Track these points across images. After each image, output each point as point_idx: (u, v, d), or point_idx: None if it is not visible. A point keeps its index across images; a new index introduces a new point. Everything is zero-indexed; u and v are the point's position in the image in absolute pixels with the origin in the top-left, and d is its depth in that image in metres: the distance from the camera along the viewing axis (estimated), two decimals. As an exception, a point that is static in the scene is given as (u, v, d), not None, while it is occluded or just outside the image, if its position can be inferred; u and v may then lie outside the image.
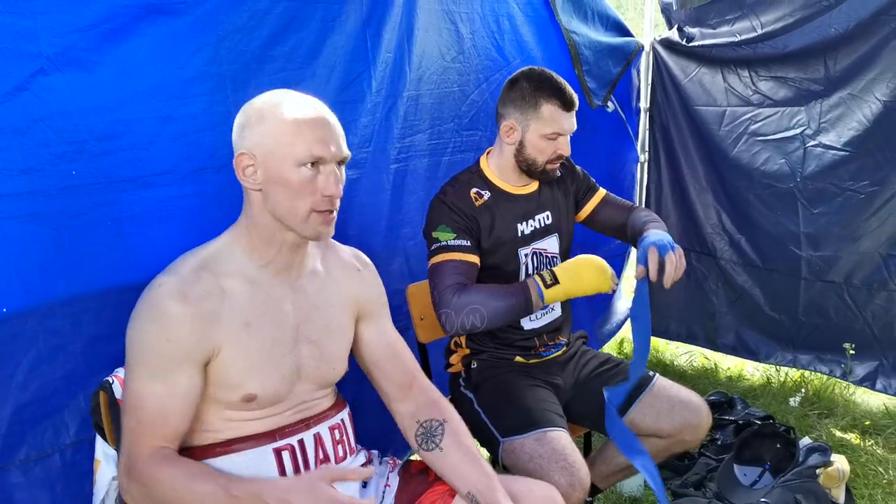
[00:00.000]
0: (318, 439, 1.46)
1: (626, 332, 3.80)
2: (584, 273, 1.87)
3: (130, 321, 1.31)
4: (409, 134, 2.26)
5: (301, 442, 1.43)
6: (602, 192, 2.27)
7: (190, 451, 1.36)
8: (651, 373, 2.15)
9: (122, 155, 1.61)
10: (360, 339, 1.59)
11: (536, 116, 1.94)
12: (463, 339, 2.11)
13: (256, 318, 1.37)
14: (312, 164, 1.32)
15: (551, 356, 2.13)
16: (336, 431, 1.51)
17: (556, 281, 1.87)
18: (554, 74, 1.99)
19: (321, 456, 1.46)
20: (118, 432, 1.41)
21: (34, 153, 1.48)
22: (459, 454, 1.49)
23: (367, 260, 1.63)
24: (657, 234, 1.99)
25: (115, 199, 1.61)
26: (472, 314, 1.86)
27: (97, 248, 1.59)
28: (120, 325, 1.58)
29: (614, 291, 1.93)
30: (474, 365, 2.08)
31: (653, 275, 1.88)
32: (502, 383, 2.03)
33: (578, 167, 2.27)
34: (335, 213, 1.38)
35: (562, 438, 1.86)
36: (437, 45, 2.32)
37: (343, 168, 1.39)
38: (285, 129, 1.32)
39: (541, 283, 1.87)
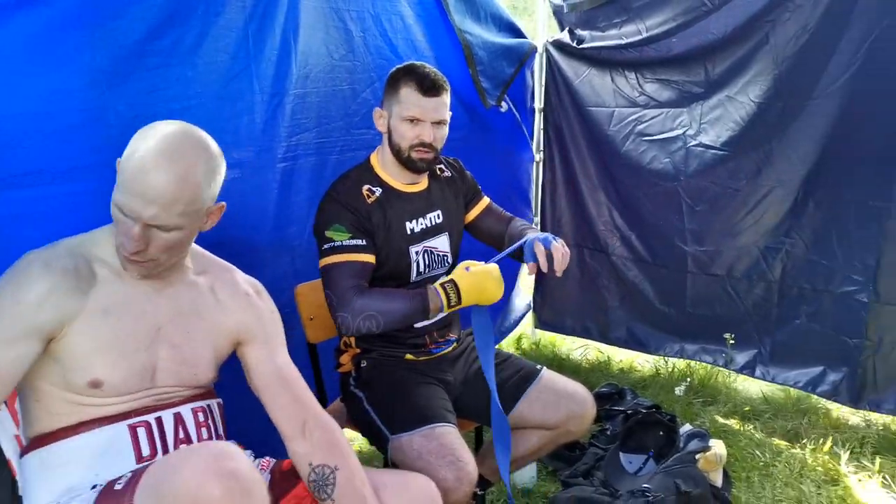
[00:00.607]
0: (178, 418, 1.45)
1: (524, 327, 3.88)
2: (486, 286, 1.90)
3: None
4: (297, 132, 2.24)
5: (159, 419, 1.43)
6: (486, 200, 2.32)
7: (40, 438, 1.35)
8: (539, 366, 2.20)
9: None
10: (246, 364, 1.57)
11: (397, 100, 1.97)
12: (353, 339, 2.11)
13: (116, 307, 1.38)
14: (123, 211, 1.34)
15: (441, 353, 2.14)
16: (200, 414, 1.50)
17: (459, 300, 1.89)
18: (425, 65, 2.01)
19: (181, 435, 1.45)
20: None
21: None
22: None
23: (263, 290, 1.63)
24: (538, 233, 2.05)
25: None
26: (368, 319, 1.87)
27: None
28: None
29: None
30: (364, 364, 2.08)
31: (543, 266, 1.93)
32: (392, 381, 2.04)
33: (468, 172, 2.30)
34: (151, 262, 1.38)
35: (450, 434, 1.88)
36: (325, 43, 2.30)
37: (163, 230, 1.37)
38: (125, 175, 1.33)
39: (444, 299, 1.88)
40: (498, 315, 3.56)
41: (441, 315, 1.98)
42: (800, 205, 2.96)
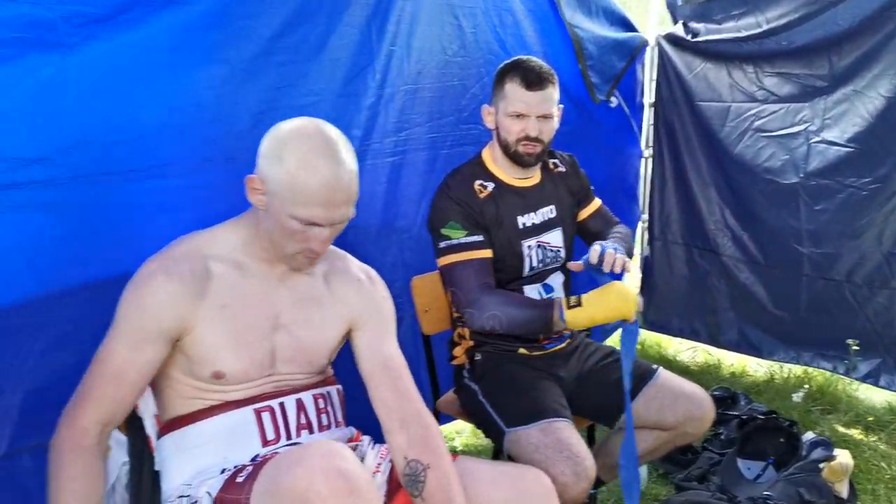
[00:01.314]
0: (299, 404, 1.49)
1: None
2: (610, 299, 1.83)
3: (124, 290, 1.38)
4: (407, 127, 2.27)
5: (282, 405, 1.47)
6: (598, 202, 2.30)
7: (174, 421, 1.43)
8: (654, 366, 2.16)
9: (131, 146, 1.63)
10: (355, 349, 1.59)
11: (502, 96, 1.98)
12: (466, 332, 2.12)
13: (235, 301, 1.41)
14: (304, 223, 1.36)
15: (554, 348, 2.13)
16: (320, 400, 1.53)
17: (579, 304, 1.84)
18: (532, 59, 2.01)
19: (303, 421, 1.49)
20: (128, 419, 1.44)
21: (46, 144, 1.50)
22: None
23: (376, 277, 1.63)
24: (607, 242, 1.99)
25: (124, 190, 1.63)
26: (492, 319, 1.90)
27: (106, 237, 1.61)
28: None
29: (636, 321, 1.89)
30: (478, 357, 2.09)
31: (593, 259, 1.85)
32: (506, 374, 2.04)
33: (582, 170, 2.29)
34: (318, 257, 1.44)
35: (567, 429, 1.87)
36: (439, 39, 2.33)
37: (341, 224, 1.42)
38: (293, 187, 1.33)
39: (564, 304, 1.85)
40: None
41: (564, 330, 1.97)
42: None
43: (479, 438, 2.77)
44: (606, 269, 1.83)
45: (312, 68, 1.95)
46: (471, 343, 2.12)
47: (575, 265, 1.93)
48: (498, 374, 2.05)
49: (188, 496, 1.38)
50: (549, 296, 2.11)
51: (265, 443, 1.45)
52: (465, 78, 2.47)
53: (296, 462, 1.21)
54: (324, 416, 1.53)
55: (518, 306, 1.92)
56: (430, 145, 2.38)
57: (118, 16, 1.55)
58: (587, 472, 1.78)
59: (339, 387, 1.63)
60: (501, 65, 2.03)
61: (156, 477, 1.48)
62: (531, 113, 1.96)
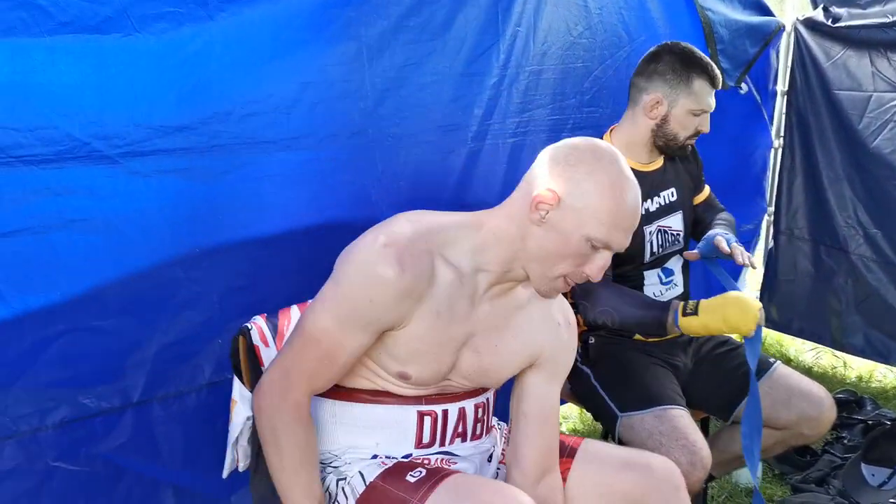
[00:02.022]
0: (461, 413, 1.47)
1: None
2: (728, 311, 1.78)
3: (346, 260, 1.32)
4: (529, 109, 2.26)
5: (445, 412, 1.45)
6: (708, 189, 2.28)
7: (343, 390, 1.42)
8: (772, 359, 2.09)
9: (265, 118, 1.70)
10: (522, 386, 1.52)
11: (687, 92, 1.96)
12: (579, 316, 2.11)
13: (446, 311, 1.34)
14: (596, 245, 1.30)
15: (671, 335, 2.09)
16: (479, 410, 1.51)
17: (695, 312, 1.81)
18: (698, 50, 2.00)
19: (460, 430, 1.47)
20: (254, 375, 1.51)
21: (188, 113, 1.58)
22: None
23: (573, 322, 1.56)
24: (722, 230, 2.02)
25: (257, 160, 1.70)
26: (604, 315, 1.90)
27: (238, 204, 1.69)
28: (253, 278, 1.73)
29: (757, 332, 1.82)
30: (591, 340, 2.08)
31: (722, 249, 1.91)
32: (621, 359, 2.03)
33: (699, 157, 2.26)
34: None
35: (683, 417, 1.85)
36: (565, 20, 2.29)
37: None
38: (605, 206, 1.27)
39: (680, 310, 1.83)
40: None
41: (678, 335, 1.96)
42: None
43: (585, 424, 2.76)
44: (739, 261, 1.84)
45: (437, 47, 1.97)
46: (584, 327, 2.11)
47: (691, 255, 1.90)
48: (612, 359, 2.04)
49: (336, 468, 1.42)
50: (668, 279, 2.10)
51: (419, 444, 1.45)
52: (589, 60, 2.43)
53: (490, 497, 1.27)
54: (479, 426, 1.52)
55: (633, 305, 1.90)
56: (552, 127, 2.36)
57: None
58: (703, 461, 1.76)
59: (491, 392, 1.60)
60: (670, 55, 1.99)
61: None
62: (710, 110, 2.01)
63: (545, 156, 1.34)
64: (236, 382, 1.53)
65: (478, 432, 1.51)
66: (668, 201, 2.09)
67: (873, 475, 2.32)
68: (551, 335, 1.49)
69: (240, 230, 1.70)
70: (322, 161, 1.82)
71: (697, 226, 2.23)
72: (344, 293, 1.30)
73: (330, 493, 1.41)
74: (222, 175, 1.65)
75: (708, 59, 1.99)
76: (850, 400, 2.81)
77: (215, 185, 1.64)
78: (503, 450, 1.61)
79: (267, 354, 1.52)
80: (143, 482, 1.68)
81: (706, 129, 2.01)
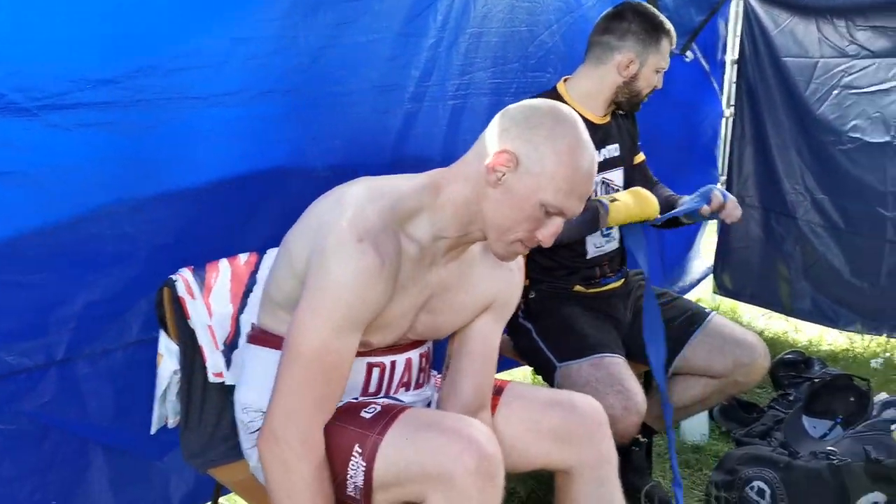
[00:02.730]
0: (408, 363, 1.48)
1: (703, 293, 3.73)
2: (640, 196, 1.98)
3: (324, 267, 1.24)
4: (469, 71, 2.25)
5: (393, 363, 1.45)
6: (642, 155, 2.30)
7: (275, 338, 1.38)
8: (708, 310, 2.14)
9: (194, 73, 1.67)
10: (470, 326, 1.51)
11: (656, 50, 2.05)
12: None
13: (410, 282, 1.33)
14: (549, 210, 1.29)
15: (610, 285, 2.14)
16: (423, 359, 1.52)
17: (616, 198, 1.97)
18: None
19: (405, 379, 1.48)
20: (179, 327, 1.51)
21: (112, 66, 1.55)
22: None
23: (522, 263, 1.55)
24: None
25: (185, 116, 1.68)
26: None
27: (166, 159, 1.66)
28: (181, 235, 1.71)
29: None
30: (532, 295, 2.11)
31: (716, 205, 1.99)
32: (561, 312, 2.07)
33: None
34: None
35: (618, 364, 1.89)
36: (509, -18, 2.30)
37: None
38: (562, 172, 1.25)
39: (607, 199, 1.95)
40: (674, 274, 3.46)
41: (603, 248, 2.08)
42: None
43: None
44: (730, 219, 2.03)
45: (374, 6, 1.95)
46: (526, 282, 2.11)
47: (705, 210, 2.01)
48: (553, 313, 2.07)
49: None
50: (608, 231, 2.13)
51: (364, 393, 1.44)
52: (534, 24, 2.43)
53: (444, 433, 1.26)
54: (422, 375, 1.54)
55: None
56: (494, 91, 2.36)
57: None
58: (637, 406, 1.80)
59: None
60: (649, 18, 2.06)
61: (207, 385, 1.55)
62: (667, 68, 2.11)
63: (503, 115, 1.31)
64: (162, 336, 1.53)
65: (420, 381, 1.53)
66: (612, 155, 2.13)
67: (815, 427, 2.37)
68: (504, 281, 1.50)
69: (168, 186, 1.68)
70: (254, 118, 1.80)
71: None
72: (334, 299, 1.24)
73: None
74: (148, 130, 1.62)
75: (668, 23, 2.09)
76: (799, 360, 2.86)
77: (141, 141, 1.62)
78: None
79: (193, 306, 1.52)
80: (72, 441, 1.67)
81: (661, 85, 2.11)
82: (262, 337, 1.44)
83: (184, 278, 1.52)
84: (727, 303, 3.68)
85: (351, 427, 1.32)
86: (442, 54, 2.17)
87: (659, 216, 2.02)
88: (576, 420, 1.51)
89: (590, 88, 2.09)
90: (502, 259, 1.38)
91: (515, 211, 1.28)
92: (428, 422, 1.32)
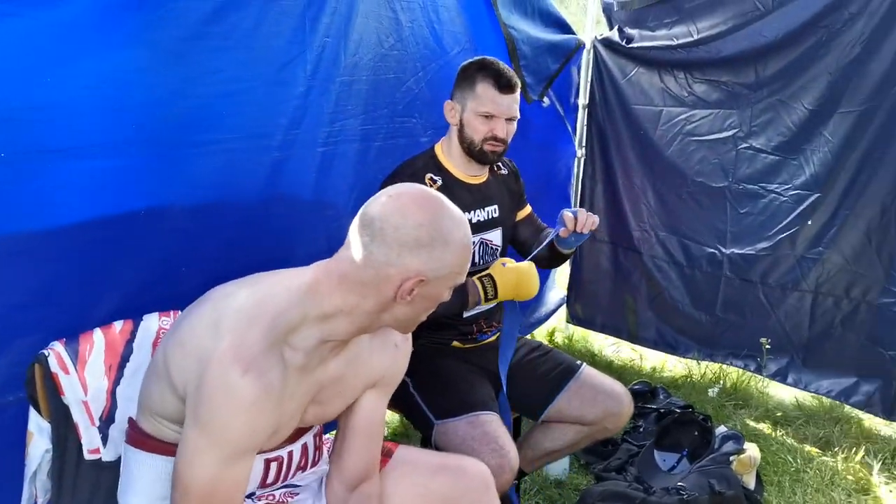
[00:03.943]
0: (303, 449, 1.49)
1: (558, 322, 3.90)
2: (522, 281, 2.02)
3: (204, 398, 1.21)
4: (340, 119, 2.26)
5: (290, 454, 1.45)
6: (529, 208, 2.37)
7: (162, 444, 1.34)
8: (578, 362, 2.23)
9: (50, 125, 1.57)
10: (357, 402, 1.51)
11: (473, 95, 2.02)
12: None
13: (298, 387, 1.32)
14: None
15: (486, 340, 2.20)
16: (317, 437, 1.54)
17: (495, 294, 2.00)
18: (499, 61, 2.06)
19: (302, 463, 1.49)
20: (52, 404, 1.42)
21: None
22: None
23: (409, 338, 1.57)
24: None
25: (43, 170, 1.58)
26: None
27: (24, 217, 1.56)
28: (37, 295, 1.60)
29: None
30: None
31: (570, 222, 2.01)
32: (438, 368, 2.09)
33: (521, 179, 2.36)
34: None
35: (493, 422, 1.93)
36: (377, 32, 2.32)
37: None
38: (459, 260, 1.30)
39: (481, 292, 1.99)
40: (529, 305, 3.59)
41: (479, 309, 2.06)
42: (840, 214, 2.94)
43: (407, 428, 2.80)
44: (586, 229, 2.03)
45: (243, 56, 1.92)
46: (404, 334, 2.14)
47: (564, 232, 2.03)
48: (430, 368, 2.09)
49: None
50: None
51: (262, 485, 1.43)
52: (401, 72, 2.48)
53: None
54: (317, 453, 1.54)
55: None
56: (363, 137, 2.37)
57: None
58: (511, 463, 1.85)
59: None
60: (467, 63, 2.08)
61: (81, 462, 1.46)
62: (501, 115, 2.02)
63: (386, 236, 1.25)
64: (32, 413, 1.43)
65: (316, 459, 1.54)
66: (490, 216, 2.17)
67: (664, 460, 2.55)
68: (391, 358, 1.51)
69: (24, 245, 1.57)
70: (117, 170, 1.71)
71: (522, 245, 2.31)
72: (221, 434, 1.21)
73: None
74: (4, 186, 1.52)
75: (503, 67, 2.04)
76: (646, 391, 3.06)
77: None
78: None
79: (67, 382, 1.43)
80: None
81: (500, 133, 2.03)
82: (144, 441, 1.37)
83: (56, 352, 1.42)
84: (579, 331, 3.88)
85: None
86: (312, 102, 2.15)
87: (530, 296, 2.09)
88: (465, 484, 1.57)
89: (451, 147, 2.12)
90: (405, 332, 1.42)
91: (430, 305, 1.35)
92: None
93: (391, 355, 1.51)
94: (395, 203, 1.27)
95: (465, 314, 2.13)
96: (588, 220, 2.03)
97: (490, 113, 2.01)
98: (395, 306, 1.29)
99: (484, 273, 2.00)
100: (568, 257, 2.26)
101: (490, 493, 1.60)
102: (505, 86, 2.01)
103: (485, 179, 2.17)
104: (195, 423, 1.22)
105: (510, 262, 2.03)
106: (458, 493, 1.56)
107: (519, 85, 2.06)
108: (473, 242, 2.07)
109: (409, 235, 1.25)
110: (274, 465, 1.43)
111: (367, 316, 1.30)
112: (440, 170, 2.09)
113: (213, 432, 1.21)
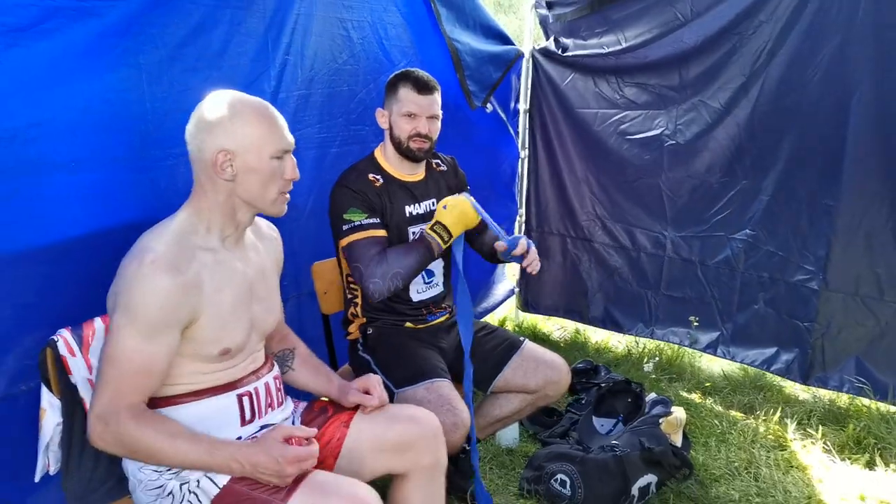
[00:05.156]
0: (266, 388, 1.74)
1: (508, 311, 4.17)
2: (464, 210, 2.20)
3: (119, 291, 1.49)
4: (300, 128, 2.49)
5: (256, 389, 1.70)
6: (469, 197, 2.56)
7: (160, 399, 1.58)
8: (521, 338, 2.50)
9: (48, 142, 1.78)
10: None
11: (396, 99, 2.29)
12: (359, 310, 2.40)
13: (224, 283, 1.60)
14: (279, 156, 1.61)
15: (436, 321, 2.44)
16: (276, 381, 1.79)
17: (450, 234, 2.20)
18: (418, 70, 2.33)
19: (269, 401, 1.74)
20: (62, 383, 1.63)
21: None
22: (307, 370, 1.93)
23: (275, 227, 1.90)
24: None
25: (41, 182, 1.78)
26: (394, 278, 2.16)
27: (24, 225, 1.76)
28: (45, 294, 1.81)
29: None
30: (370, 331, 2.37)
31: (519, 251, 2.25)
32: (396, 345, 2.33)
33: (461, 170, 2.59)
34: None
35: (446, 386, 2.19)
36: (331, 49, 2.57)
37: None
38: (259, 128, 1.58)
39: (438, 238, 2.18)
40: (479, 296, 3.87)
41: (429, 293, 2.33)
42: (762, 200, 3.26)
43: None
44: (531, 265, 2.25)
45: (214, 74, 2.15)
46: (363, 319, 2.39)
47: (500, 245, 2.25)
48: (388, 345, 2.33)
49: (176, 472, 1.56)
50: (430, 279, 2.42)
51: (244, 423, 1.68)
52: (354, 84, 2.73)
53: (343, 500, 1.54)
54: (279, 395, 1.79)
55: (406, 254, 2.18)
56: (320, 144, 2.62)
57: (36, 26, 1.71)
58: (464, 421, 2.10)
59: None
60: (392, 75, 2.32)
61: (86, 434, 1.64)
62: (422, 113, 2.28)
63: (192, 127, 1.60)
64: (44, 392, 1.63)
65: (280, 400, 1.79)
66: (429, 209, 2.41)
67: (602, 425, 2.83)
68: (276, 247, 1.87)
69: (28, 249, 1.78)
70: (106, 183, 1.93)
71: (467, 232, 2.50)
72: (134, 311, 1.47)
73: (174, 496, 1.56)
74: (8, 197, 1.72)
75: (421, 73, 2.29)
76: (589, 368, 3.33)
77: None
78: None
79: (74, 363, 1.64)
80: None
81: (423, 130, 2.27)
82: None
83: (63, 338, 1.63)
84: (529, 319, 4.16)
85: (256, 493, 1.52)
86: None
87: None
88: (417, 431, 1.83)
89: (385, 149, 2.37)
90: (278, 214, 1.69)
91: (259, 177, 1.59)
92: (329, 488, 1.55)
93: (274, 244, 1.87)
94: (197, 106, 1.61)
95: (416, 298, 2.37)
96: (535, 265, 2.27)
97: (412, 112, 2.27)
98: (232, 187, 1.59)
99: (432, 221, 2.21)
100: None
101: (438, 438, 1.87)
102: (423, 88, 2.27)
103: (422, 177, 2.42)
104: (118, 308, 1.49)
105: (447, 201, 2.22)
106: (411, 438, 1.82)
107: (438, 88, 2.31)
108: (414, 232, 2.34)
109: (204, 121, 1.58)
110: (246, 401, 1.68)
111: (225, 205, 1.61)
112: (379, 170, 2.34)
113: (131, 312, 1.48)
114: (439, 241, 2.18)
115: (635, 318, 3.75)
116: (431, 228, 2.20)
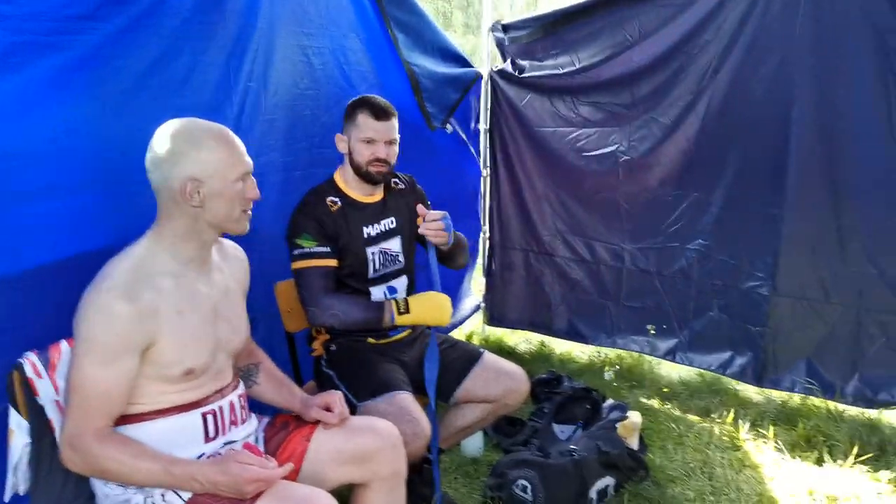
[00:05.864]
0: (231, 406, 1.80)
1: (475, 325, 4.27)
2: (433, 311, 2.29)
3: (79, 320, 1.56)
4: (265, 153, 2.58)
5: (220, 408, 1.76)
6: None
7: (126, 417, 1.63)
8: (481, 350, 2.59)
9: (17, 171, 1.84)
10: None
11: (354, 125, 2.37)
12: (323, 327, 2.47)
13: (185, 305, 1.66)
14: (242, 178, 1.70)
15: (397, 336, 2.52)
16: (241, 399, 1.86)
17: (407, 311, 2.28)
18: (376, 96, 2.42)
19: (232, 418, 1.80)
20: (29, 405, 1.67)
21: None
22: (271, 384, 2.01)
23: (241, 249, 1.98)
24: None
25: (7, 211, 1.84)
26: (332, 317, 2.26)
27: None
28: (13, 319, 1.86)
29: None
30: (333, 347, 2.44)
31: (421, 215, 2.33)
32: (357, 360, 2.40)
33: (419, 187, 2.68)
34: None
35: (407, 399, 2.25)
36: (292, 76, 2.67)
37: None
38: (222, 154, 1.67)
39: (395, 310, 2.27)
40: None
41: (394, 326, 2.35)
42: (713, 211, 3.41)
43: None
44: (424, 230, 2.29)
45: (177, 102, 2.22)
46: (327, 336, 2.47)
47: (422, 210, 2.33)
48: (350, 360, 2.40)
49: (141, 487, 1.61)
50: (392, 296, 2.48)
51: (207, 440, 1.73)
52: (316, 108, 2.83)
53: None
54: (243, 412, 1.85)
55: (357, 307, 2.29)
56: (285, 168, 2.71)
57: (2, 60, 1.78)
58: (424, 431, 2.17)
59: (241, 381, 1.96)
60: (350, 101, 2.41)
61: (54, 454, 1.68)
62: (380, 139, 2.36)
63: (154, 158, 1.66)
64: (13, 413, 1.68)
65: (243, 417, 1.85)
66: (387, 228, 2.49)
67: (562, 432, 2.93)
68: (242, 269, 1.94)
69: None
70: (72, 210, 1.98)
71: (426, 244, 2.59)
72: (92, 341, 1.55)
73: None
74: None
75: (377, 100, 2.37)
76: (552, 378, 3.43)
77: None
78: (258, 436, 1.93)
79: (41, 385, 1.69)
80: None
81: (381, 154, 2.35)
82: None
83: (30, 360, 1.68)
84: (496, 333, 4.26)
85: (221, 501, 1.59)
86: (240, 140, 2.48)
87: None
88: (376, 442, 1.90)
89: (344, 173, 2.45)
90: (242, 232, 1.77)
91: (226, 202, 1.68)
92: (289, 497, 1.62)
93: (241, 265, 1.94)
94: (151, 141, 1.68)
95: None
96: (430, 225, 2.30)
97: (370, 138, 2.35)
98: (199, 213, 1.67)
99: (402, 298, 2.31)
100: (455, 254, 2.55)
101: (398, 449, 1.94)
102: (381, 114, 2.35)
103: (380, 197, 2.50)
104: (77, 338, 1.57)
105: (432, 294, 2.32)
106: (372, 450, 1.89)
107: (395, 114, 2.40)
108: (373, 252, 2.42)
109: (166, 152, 1.65)
110: (210, 419, 1.74)
111: (192, 231, 1.69)
112: (338, 193, 2.42)
113: (89, 340, 1.55)
114: (395, 312, 2.27)
115: (598, 328, 3.86)
116: (395, 300, 2.30)
